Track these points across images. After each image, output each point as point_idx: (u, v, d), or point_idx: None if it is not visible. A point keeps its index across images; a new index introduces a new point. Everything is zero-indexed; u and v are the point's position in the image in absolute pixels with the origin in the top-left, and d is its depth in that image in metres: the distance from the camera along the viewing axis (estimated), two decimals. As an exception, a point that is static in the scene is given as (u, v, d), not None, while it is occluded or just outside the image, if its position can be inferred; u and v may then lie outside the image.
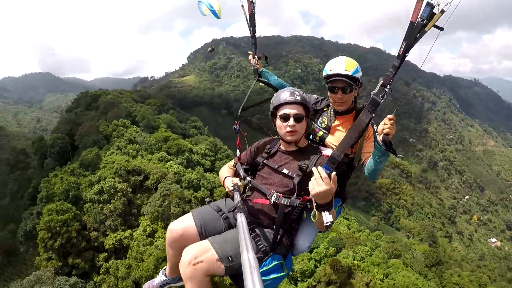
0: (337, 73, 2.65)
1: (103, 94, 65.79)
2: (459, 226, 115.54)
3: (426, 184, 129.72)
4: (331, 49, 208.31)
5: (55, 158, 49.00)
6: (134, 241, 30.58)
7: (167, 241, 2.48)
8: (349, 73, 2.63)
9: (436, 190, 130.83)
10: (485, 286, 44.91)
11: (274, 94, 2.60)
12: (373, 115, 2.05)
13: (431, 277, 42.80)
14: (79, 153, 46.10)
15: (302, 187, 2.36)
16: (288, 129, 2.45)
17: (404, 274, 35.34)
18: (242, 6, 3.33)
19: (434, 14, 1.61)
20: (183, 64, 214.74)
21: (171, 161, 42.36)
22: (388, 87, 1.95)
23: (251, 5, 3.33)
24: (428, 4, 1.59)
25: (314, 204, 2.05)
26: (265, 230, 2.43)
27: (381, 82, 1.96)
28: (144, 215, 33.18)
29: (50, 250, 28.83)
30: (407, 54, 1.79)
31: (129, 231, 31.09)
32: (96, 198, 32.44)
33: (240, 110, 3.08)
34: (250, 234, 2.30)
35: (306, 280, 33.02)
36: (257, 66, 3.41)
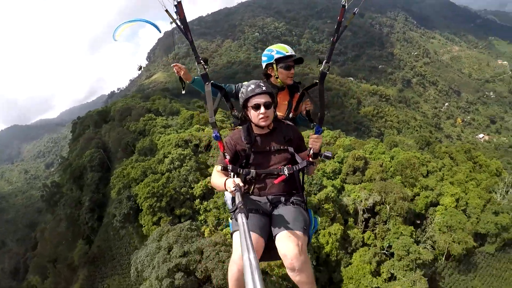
0: (294, 54, 3.84)
1: (112, 105, 79.52)
2: (446, 130, 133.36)
3: (406, 102, 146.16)
4: (280, 4, 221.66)
5: (97, 170, 60.15)
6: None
7: (235, 276, 2.76)
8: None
9: (417, 105, 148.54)
10: (469, 152, 61.69)
11: (242, 89, 3.25)
12: (323, 84, 3.24)
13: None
14: (115, 159, 59.67)
15: (295, 152, 3.34)
16: (261, 116, 3.14)
17: (404, 154, 52.37)
18: (166, 10, 3.07)
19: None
20: (144, 66, 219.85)
21: (207, 128, 55.72)
22: (327, 64, 3.22)
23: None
24: (345, 10, 3.01)
25: (312, 155, 3.22)
26: (293, 197, 3.25)
27: (325, 60, 3.20)
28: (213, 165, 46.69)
29: (158, 211, 41.93)
30: (336, 41, 3.23)
31: (207, 178, 44.92)
32: (172, 167, 46.22)
33: (212, 118, 3.19)
34: (288, 199, 3.19)
35: (338, 177, 48.67)
36: (206, 70, 3.28)
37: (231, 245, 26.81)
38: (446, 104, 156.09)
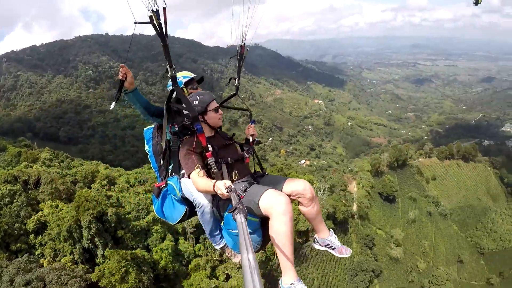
0: (195, 76, 4.92)
1: None
2: (271, 160, 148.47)
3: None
4: (117, 43, 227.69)
5: None
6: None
7: (290, 208, 3.20)
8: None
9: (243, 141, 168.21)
10: (282, 170, 77.22)
11: (198, 98, 3.99)
12: (238, 93, 5.09)
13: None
14: None
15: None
16: (220, 116, 4.05)
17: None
18: (151, 16, 3.32)
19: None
20: None
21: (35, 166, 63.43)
22: (238, 80, 5.01)
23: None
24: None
25: (252, 139, 4.46)
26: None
27: (236, 78, 4.86)
28: None
29: None
30: (241, 65, 5.00)
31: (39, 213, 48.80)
32: (2, 203, 44.75)
33: (194, 112, 3.85)
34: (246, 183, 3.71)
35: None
36: (175, 73, 3.82)
37: (72, 271, 32.57)
38: (270, 138, 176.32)
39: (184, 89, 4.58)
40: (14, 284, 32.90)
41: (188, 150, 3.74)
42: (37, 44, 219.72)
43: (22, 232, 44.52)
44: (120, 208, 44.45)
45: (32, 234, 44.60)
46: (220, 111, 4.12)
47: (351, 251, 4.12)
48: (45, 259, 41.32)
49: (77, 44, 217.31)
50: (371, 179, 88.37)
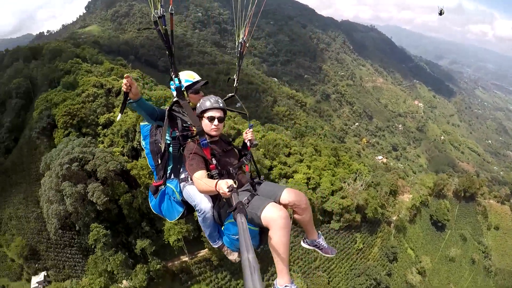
0: (199, 79, 4.66)
1: (45, 45, 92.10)
2: (349, 145, 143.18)
3: (320, 113, 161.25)
4: None
5: (21, 97, 72.06)
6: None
7: (289, 222, 3.44)
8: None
9: (329, 118, 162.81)
10: (335, 150, 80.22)
11: (201, 100, 4.17)
12: (236, 94, 4.91)
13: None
14: (39, 92, 69.72)
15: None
16: (213, 127, 4.07)
17: (272, 135, 69.85)
18: (156, 21, 3.46)
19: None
20: (80, 15, 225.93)
21: (121, 80, 69.20)
22: (237, 81, 4.93)
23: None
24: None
25: (249, 143, 4.60)
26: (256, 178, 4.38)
27: (236, 78, 4.86)
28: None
29: (69, 127, 56.15)
30: (241, 65, 4.76)
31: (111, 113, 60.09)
32: (86, 100, 60.31)
33: (200, 127, 3.97)
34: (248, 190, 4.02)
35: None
36: (180, 84, 4.17)
37: (116, 157, 49.62)
38: (357, 124, 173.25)
39: (184, 92, 4.46)
40: (73, 151, 47.39)
41: (192, 153, 3.89)
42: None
43: (94, 123, 59.31)
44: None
45: (100, 127, 59.20)
46: (217, 121, 4.09)
47: (336, 251, 4.71)
48: (103, 144, 56.12)
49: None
50: (428, 198, 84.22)
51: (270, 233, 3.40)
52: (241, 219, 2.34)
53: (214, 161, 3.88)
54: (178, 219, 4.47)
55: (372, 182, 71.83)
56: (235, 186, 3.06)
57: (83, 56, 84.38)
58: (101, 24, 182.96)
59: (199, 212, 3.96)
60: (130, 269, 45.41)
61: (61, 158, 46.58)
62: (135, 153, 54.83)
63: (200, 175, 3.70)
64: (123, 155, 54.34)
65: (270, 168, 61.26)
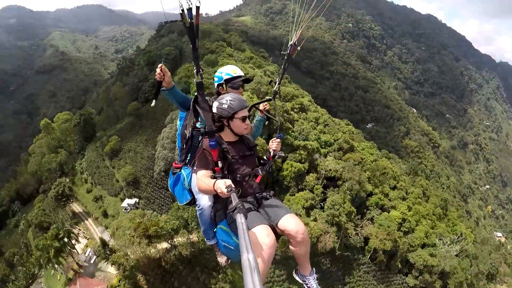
0: (242, 75, 4.64)
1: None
2: (470, 208, 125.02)
3: (452, 161, 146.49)
4: (385, 9, 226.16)
5: (169, 63, 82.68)
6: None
7: (272, 251, 3.20)
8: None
9: (460, 170, 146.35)
10: (445, 201, 72.52)
11: (228, 102, 3.84)
12: (275, 100, 4.79)
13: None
14: (186, 61, 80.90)
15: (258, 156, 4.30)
16: (246, 126, 3.97)
17: (384, 162, 66.62)
18: (182, 12, 3.29)
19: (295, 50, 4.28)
20: (237, 5, 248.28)
21: (256, 70, 76.62)
22: (278, 85, 4.74)
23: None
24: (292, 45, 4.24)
25: (273, 153, 4.38)
26: (267, 191, 4.15)
27: (277, 82, 4.80)
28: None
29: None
30: (286, 68, 4.56)
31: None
32: None
33: (212, 127, 3.72)
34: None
35: (326, 148, 64.80)
36: (202, 80, 3.83)
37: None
38: (487, 186, 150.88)
39: (224, 85, 4.55)
40: None
41: (203, 149, 3.79)
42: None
43: None
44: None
45: None
46: (248, 121, 3.98)
47: None
48: None
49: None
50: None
51: None
52: (241, 220, 2.28)
53: (220, 164, 3.74)
54: (185, 204, 4.42)
55: (471, 252, 64.09)
56: (233, 186, 3.02)
57: (228, 41, 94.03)
58: (254, 17, 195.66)
59: (198, 207, 4.06)
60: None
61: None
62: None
63: (202, 174, 3.67)
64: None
65: (370, 194, 59.48)
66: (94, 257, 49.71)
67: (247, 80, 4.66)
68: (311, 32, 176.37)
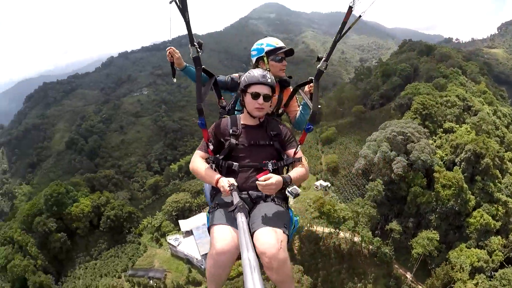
0: (284, 46, 4.08)
1: (438, 47, 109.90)
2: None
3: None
4: None
5: (400, 78, 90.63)
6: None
7: (216, 266, 2.65)
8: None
9: None
10: None
11: (247, 73, 3.36)
12: (318, 81, 3.59)
13: None
14: (416, 79, 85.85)
15: (280, 149, 3.45)
16: (257, 105, 3.27)
17: None
18: None
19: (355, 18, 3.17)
20: (491, 34, 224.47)
21: (487, 106, 76.31)
22: (325, 62, 3.46)
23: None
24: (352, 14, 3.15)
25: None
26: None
27: (323, 58, 3.46)
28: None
29: (417, 114, 69.06)
30: (338, 40, 3.31)
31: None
32: (443, 102, 70.00)
33: (200, 105, 3.27)
34: (270, 198, 3.14)
35: None
36: (198, 54, 3.30)
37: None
38: None
39: (265, 58, 4.02)
40: (404, 125, 60.39)
41: (209, 132, 3.43)
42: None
43: (439, 123, 69.85)
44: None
45: (441, 130, 68.89)
46: (261, 99, 3.29)
47: None
48: (435, 143, 65.75)
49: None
50: None
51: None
52: (241, 219, 2.29)
53: (211, 146, 3.34)
54: None
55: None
56: (236, 185, 2.89)
57: (464, 69, 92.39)
58: (508, 51, 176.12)
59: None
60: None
61: (393, 126, 61.62)
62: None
63: (196, 153, 3.42)
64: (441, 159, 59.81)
65: (473, 208, 52.80)
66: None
67: (290, 52, 4.11)
68: None
